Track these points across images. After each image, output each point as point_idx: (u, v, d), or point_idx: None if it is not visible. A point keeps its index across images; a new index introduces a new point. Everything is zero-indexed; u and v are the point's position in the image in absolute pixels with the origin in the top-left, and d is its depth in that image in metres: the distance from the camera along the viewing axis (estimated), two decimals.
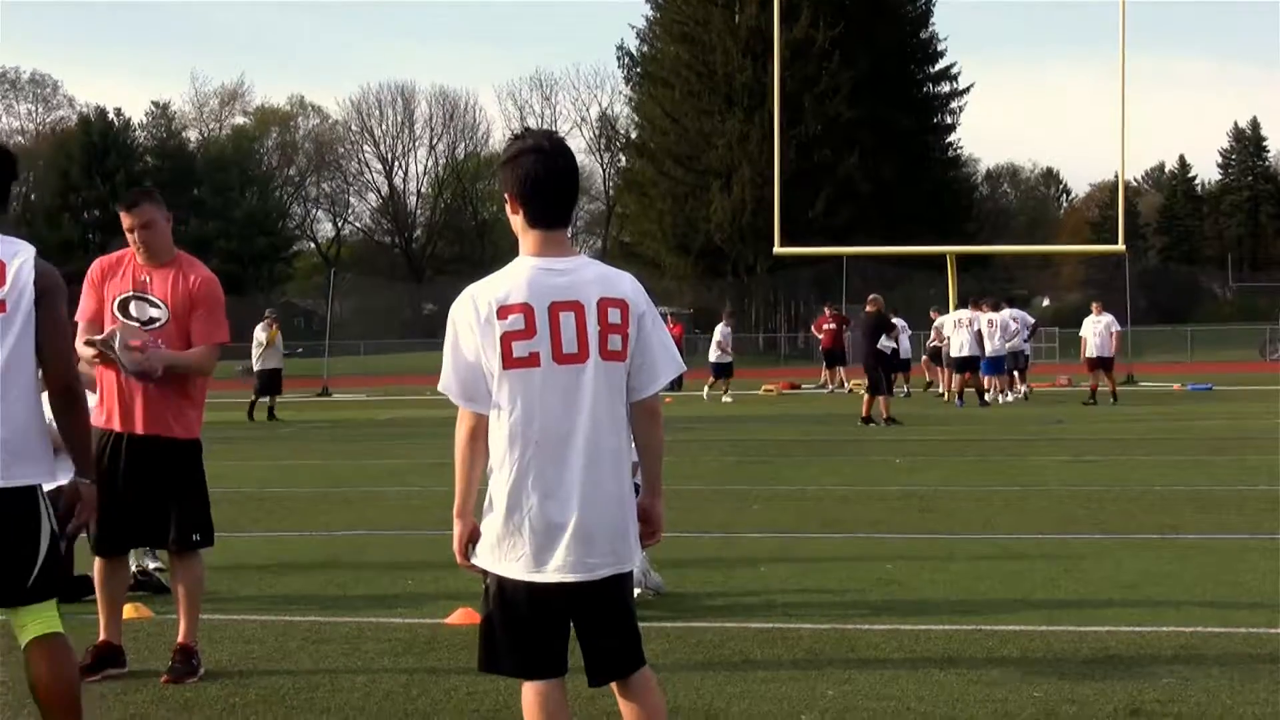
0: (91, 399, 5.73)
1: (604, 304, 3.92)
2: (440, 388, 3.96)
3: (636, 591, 7.46)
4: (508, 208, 4.03)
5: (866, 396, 21.79)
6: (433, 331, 60.14)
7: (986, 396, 26.48)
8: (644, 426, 4.04)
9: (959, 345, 26.40)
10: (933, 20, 68.38)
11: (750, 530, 10.35)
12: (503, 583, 3.90)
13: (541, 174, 3.94)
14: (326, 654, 6.47)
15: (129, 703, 5.69)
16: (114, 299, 6.17)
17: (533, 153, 3.96)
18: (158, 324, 6.13)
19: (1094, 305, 27.78)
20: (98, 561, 6.20)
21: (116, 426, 6.13)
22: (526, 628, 3.90)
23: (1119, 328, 26.60)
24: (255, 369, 25.75)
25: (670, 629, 6.83)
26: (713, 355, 30.31)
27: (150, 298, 6.17)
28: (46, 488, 4.36)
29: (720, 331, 30.33)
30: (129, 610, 7.14)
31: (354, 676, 6.05)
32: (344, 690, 5.82)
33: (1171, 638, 6.54)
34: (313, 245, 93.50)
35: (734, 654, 6.37)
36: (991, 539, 9.73)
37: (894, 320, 24.88)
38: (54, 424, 4.46)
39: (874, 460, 15.74)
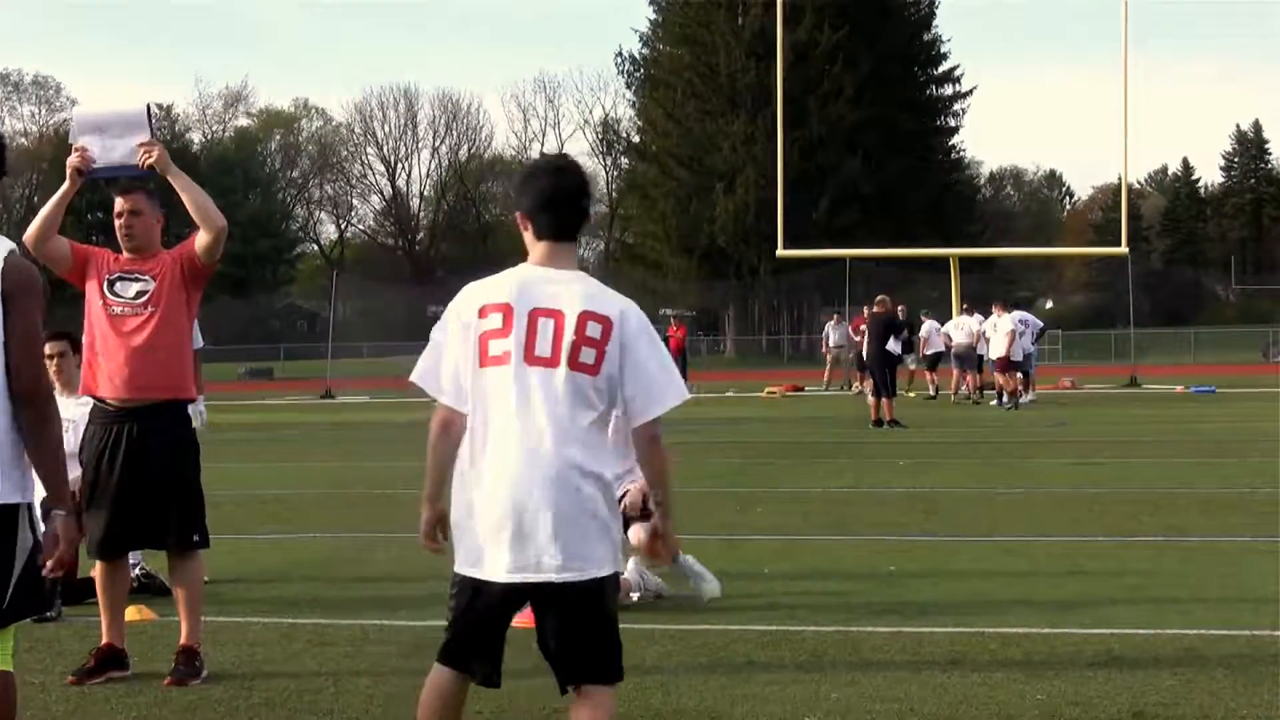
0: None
1: (584, 317, 4.01)
2: (413, 378, 4.13)
3: (635, 596, 7.44)
4: (520, 225, 4.18)
5: (872, 399, 21.80)
6: None
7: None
8: (643, 452, 4.14)
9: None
10: (936, 23, 68.54)
11: (753, 532, 10.35)
12: (460, 579, 4.10)
13: (553, 189, 4.14)
14: (331, 656, 6.47)
15: (132, 705, 5.68)
16: (103, 278, 6.14)
17: (546, 171, 4.22)
18: (145, 295, 6.09)
19: (995, 305, 26.94)
20: (98, 565, 6.17)
21: (107, 394, 6.07)
22: (469, 623, 4.09)
23: (1010, 327, 25.62)
24: None
25: (673, 631, 6.83)
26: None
27: (137, 274, 6.14)
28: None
29: None
30: (132, 613, 7.14)
31: (358, 679, 6.05)
32: (348, 693, 5.82)
33: (1175, 640, 6.53)
34: (316, 247, 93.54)
35: (737, 656, 6.37)
36: (995, 541, 9.73)
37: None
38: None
39: (878, 462, 15.73)
